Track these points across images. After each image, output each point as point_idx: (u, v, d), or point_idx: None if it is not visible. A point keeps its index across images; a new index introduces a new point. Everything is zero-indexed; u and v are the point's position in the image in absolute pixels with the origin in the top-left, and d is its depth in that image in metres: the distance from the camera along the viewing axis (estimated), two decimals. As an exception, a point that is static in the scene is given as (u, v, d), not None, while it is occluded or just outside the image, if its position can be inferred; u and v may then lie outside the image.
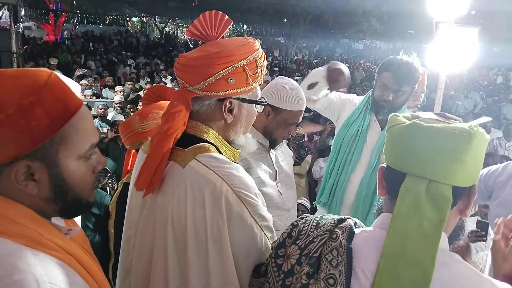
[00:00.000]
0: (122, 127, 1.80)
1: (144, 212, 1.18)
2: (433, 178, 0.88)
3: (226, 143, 1.20)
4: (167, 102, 1.74)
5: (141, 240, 1.19)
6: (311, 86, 2.27)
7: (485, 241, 2.81)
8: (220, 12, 1.18)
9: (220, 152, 1.17)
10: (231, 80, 1.11)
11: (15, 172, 0.77)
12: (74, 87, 1.71)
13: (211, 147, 1.15)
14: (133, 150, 1.82)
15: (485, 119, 1.00)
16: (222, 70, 1.09)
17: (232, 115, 1.17)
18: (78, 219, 1.76)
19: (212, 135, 1.17)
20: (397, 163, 0.94)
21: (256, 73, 1.16)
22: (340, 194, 2.35)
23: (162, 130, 1.11)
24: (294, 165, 5.09)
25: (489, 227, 2.75)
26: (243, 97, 1.18)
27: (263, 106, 1.25)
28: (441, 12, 3.46)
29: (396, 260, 0.86)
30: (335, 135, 2.48)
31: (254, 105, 1.22)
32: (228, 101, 1.15)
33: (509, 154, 6.03)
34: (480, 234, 2.73)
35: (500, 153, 6.02)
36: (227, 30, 1.19)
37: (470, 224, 2.77)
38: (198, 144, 1.14)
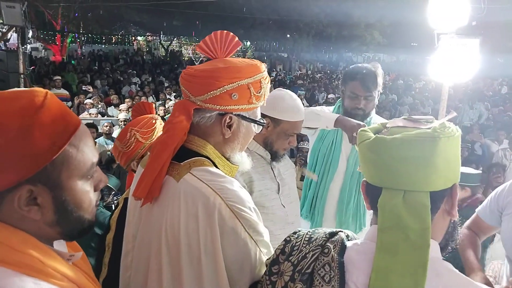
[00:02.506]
0: (113, 151, 1.90)
1: (140, 227, 1.19)
2: (407, 188, 0.88)
3: (223, 158, 1.21)
4: (142, 118, 1.84)
5: (138, 255, 1.19)
6: (308, 128, 2.30)
7: None
8: (231, 33, 1.21)
9: (216, 167, 1.17)
10: (235, 96, 1.13)
11: (17, 198, 0.74)
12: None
13: (207, 161, 1.15)
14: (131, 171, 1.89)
15: (452, 114, 0.97)
16: (228, 85, 1.12)
17: (230, 130, 1.18)
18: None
19: (209, 150, 1.18)
20: (372, 179, 0.94)
21: (259, 92, 1.18)
22: (321, 205, 2.40)
23: (163, 139, 1.12)
24: (301, 180, 5.12)
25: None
26: (244, 115, 1.19)
27: (261, 127, 1.27)
28: (442, 24, 3.48)
29: (387, 272, 0.85)
30: (310, 147, 2.53)
31: (252, 124, 1.23)
32: (228, 116, 1.17)
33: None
34: None
35: (505, 164, 5.98)
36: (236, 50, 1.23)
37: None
38: (193, 158, 1.14)
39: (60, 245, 0.87)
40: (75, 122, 0.80)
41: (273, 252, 1.16)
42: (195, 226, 1.06)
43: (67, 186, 0.78)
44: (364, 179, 0.99)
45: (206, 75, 1.13)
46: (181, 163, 1.13)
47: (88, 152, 0.82)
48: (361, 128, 0.98)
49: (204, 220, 1.06)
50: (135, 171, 1.79)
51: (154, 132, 1.80)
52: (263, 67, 1.21)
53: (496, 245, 2.81)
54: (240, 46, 1.24)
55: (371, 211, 2.55)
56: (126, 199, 1.71)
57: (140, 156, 1.77)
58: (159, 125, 1.84)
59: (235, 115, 1.17)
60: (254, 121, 1.23)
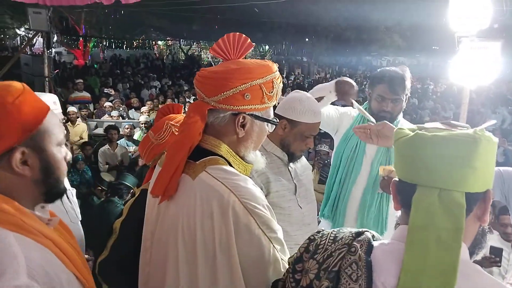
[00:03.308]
0: (141, 145, 1.89)
1: (157, 225, 1.22)
2: (443, 186, 0.87)
3: (238, 157, 1.23)
4: (176, 115, 1.85)
5: (156, 251, 1.23)
6: (317, 99, 2.30)
7: (499, 266, 2.76)
8: (244, 35, 1.24)
9: (231, 166, 1.20)
10: (247, 96, 1.16)
11: (15, 159, 0.94)
12: (51, 98, 1.84)
13: (221, 160, 1.18)
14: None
15: (491, 122, 0.99)
16: (240, 86, 1.14)
17: (244, 130, 1.21)
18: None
19: (223, 149, 1.20)
20: (407, 176, 0.94)
21: (271, 92, 1.20)
22: (343, 206, 2.41)
23: (179, 139, 1.16)
24: (319, 183, 5.11)
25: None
26: (257, 114, 1.22)
27: (274, 126, 1.29)
28: (463, 26, 3.43)
29: (416, 273, 0.85)
30: (335, 148, 2.54)
31: (266, 123, 1.26)
32: (242, 116, 1.19)
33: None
34: (494, 260, 2.69)
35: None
36: (249, 51, 1.25)
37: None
38: (208, 157, 1.17)
39: (42, 213, 1.04)
40: (46, 105, 1.03)
41: (287, 249, 1.18)
42: (210, 223, 1.09)
43: (49, 150, 1.00)
44: (395, 178, 0.99)
45: (219, 76, 1.16)
46: (197, 162, 1.16)
47: (60, 127, 1.05)
48: (398, 127, 1.00)
49: (219, 217, 1.08)
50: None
51: None
52: (275, 67, 1.23)
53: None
54: (252, 48, 1.26)
55: (394, 216, 2.51)
56: (143, 190, 1.74)
57: None
58: None
59: (248, 114, 1.20)
60: (267, 121, 1.25)
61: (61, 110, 1.79)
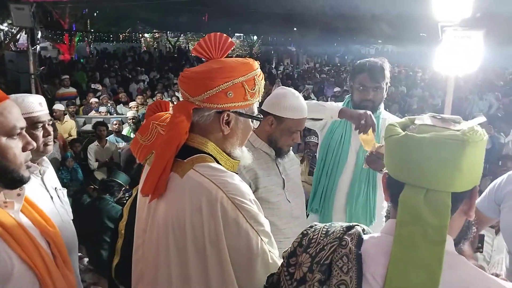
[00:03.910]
0: (132, 146, 1.91)
1: (148, 222, 1.26)
2: (430, 187, 0.90)
3: (225, 154, 1.27)
4: (162, 113, 1.85)
5: (148, 248, 1.26)
6: (313, 119, 2.34)
7: (481, 252, 2.82)
8: (225, 35, 1.26)
9: (218, 163, 1.23)
10: (230, 94, 1.19)
11: None
12: (37, 99, 1.84)
13: (208, 158, 1.22)
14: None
15: (480, 119, 0.98)
16: (222, 84, 1.18)
17: (229, 127, 1.24)
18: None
19: (210, 147, 1.24)
20: (396, 174, 0.97)
21: (253, 89, 1.24)
22: (331, 198, 2.44)
23: (166, 139, 1.20)
24: (308, 175, 5.17)
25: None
26: (240, 111, 1.25)
27: (259, 122, 1.32)
28: (446, 16, 3.47)
29: (404, 265, 0.88)
30: (320, 141, 2.58)
31: (250, 120, 1.29)
32: (226, 114, 1.22)
33: (525, 155, 5.93)
34: (476, 246, 2.76)
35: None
36: (236, 44, 1.27)
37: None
38: (196, 155, 1.21)
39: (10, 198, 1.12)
40: (1, 96, 1.06)
41: (274, 242, 1.22)
42: (199, 218, 1.13)
43: None
44: (386, 171, 1.01)
45: (201, 76, 1.20)
46: (185, 160, 1.20)
47: (10, 117, 1.06)
48: (390, 123, 1.01)
49: (208, 212, 1.12)
50: None
51: None
52: (256, 65, 1.27)
53: (501, 237, 2.84)
54: (233, 46, 1.29)
55: (382, 205, 2.54)
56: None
57: None
58: None
59: (232, 112, 1.23)
60: (251, 117, 1.28)
61: (47, 111, 1.78)
